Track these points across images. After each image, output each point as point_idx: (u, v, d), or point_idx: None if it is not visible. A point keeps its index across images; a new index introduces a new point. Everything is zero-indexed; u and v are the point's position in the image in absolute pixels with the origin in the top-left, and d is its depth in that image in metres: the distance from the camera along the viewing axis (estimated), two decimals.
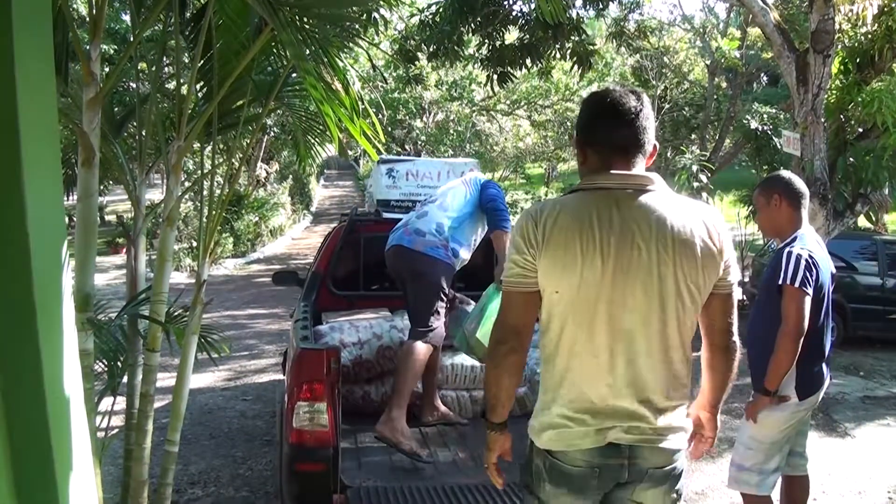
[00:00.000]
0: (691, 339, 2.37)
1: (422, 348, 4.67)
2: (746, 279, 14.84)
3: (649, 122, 2.38)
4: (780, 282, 3.61)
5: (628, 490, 2.35)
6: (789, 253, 3.65)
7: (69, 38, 3.39)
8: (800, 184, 3.88)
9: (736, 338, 2.47)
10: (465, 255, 5.10)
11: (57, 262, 1.44)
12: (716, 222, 2.33)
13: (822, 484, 5.63)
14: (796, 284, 3.56)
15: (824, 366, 3.84)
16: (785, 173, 4.05)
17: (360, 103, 3.42)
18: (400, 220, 6.09)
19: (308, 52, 3.09)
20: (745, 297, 14.49)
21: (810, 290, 3.58)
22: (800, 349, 3.58)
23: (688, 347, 2.37)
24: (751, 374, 3.93)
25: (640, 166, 2.36)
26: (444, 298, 4.87)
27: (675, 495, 2.40)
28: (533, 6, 11.56)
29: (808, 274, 3.57)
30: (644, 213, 2.27)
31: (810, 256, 3.62)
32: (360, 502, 3.71)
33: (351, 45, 4.09)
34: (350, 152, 41.72)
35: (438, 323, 4.79)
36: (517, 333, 2.37)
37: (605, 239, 2.23)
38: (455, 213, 5.03)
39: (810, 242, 3.75)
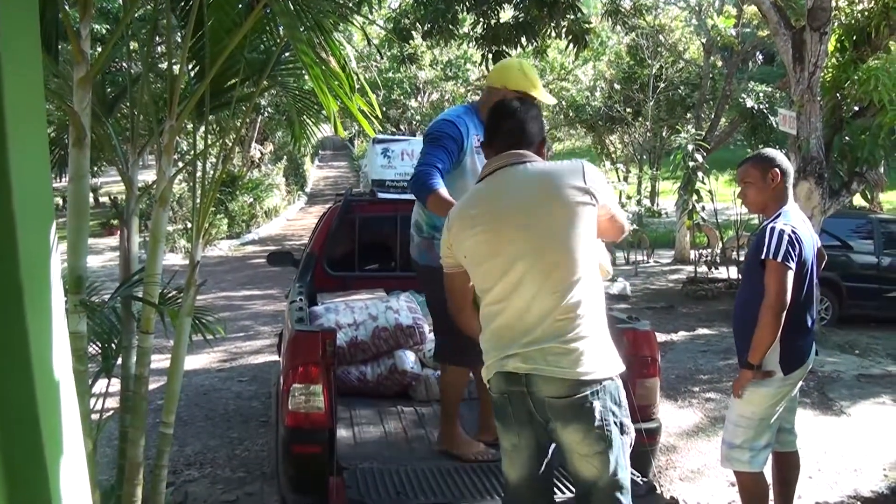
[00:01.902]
0: (591, 275, 2.73)
1: (447, 370, 4.35)
2: (742, 258, 14.85)
3: (531, 119, 2.93)
4: (762, 256, 3.63)
5: (556, 434, 2.67)
6: (772, 228, 3.67)
7: (59, 17, 3.35)
8: (788, 161, 3.95)
9: (625, 222, 3.03)
10: None
11: (45, 244, 1.42)
12: (584, 170, 2.77)
13: (818, 462, 5.65)
14: (779, 259, 3.58)
15: (809, 340, 3.86)
16: (774, 151, 4.06)
17: (356, 78, 3.39)
18: (396, 199, 6.08)
19: (302, 26, 3.06)
20: (740, 276, 14.50)
21: (793, 265, 3.60)
22: (783, 323, 3.60)
23: (580, 284, 2.67)
24: (736, 349, 3.96)
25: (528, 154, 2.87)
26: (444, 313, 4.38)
27: (598, 431, 2.61)
28: None
29: (790, 249, 3.59)
30: (521, 178, 2.79)
31: (793, 232, 3.64)
32: (356, 484, 3.71)
33: (345, 22, 4.04)
34: (345, 132, 41.61)
35: (443, 337, 4.34)
36: (452, 294, 3.09)
37: (490, 207, 2.79)
38: None
39: (794, 219, 3.77)
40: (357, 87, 3.39)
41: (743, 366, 3.79)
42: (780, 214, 3.77)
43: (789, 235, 3.61)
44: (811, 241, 3.81)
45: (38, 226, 1.39)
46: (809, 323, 3.85)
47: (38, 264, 1.38)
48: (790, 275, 3.60)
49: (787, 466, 4.12)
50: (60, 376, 1.43)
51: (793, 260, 3.60)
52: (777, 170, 3.82)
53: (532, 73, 4.14)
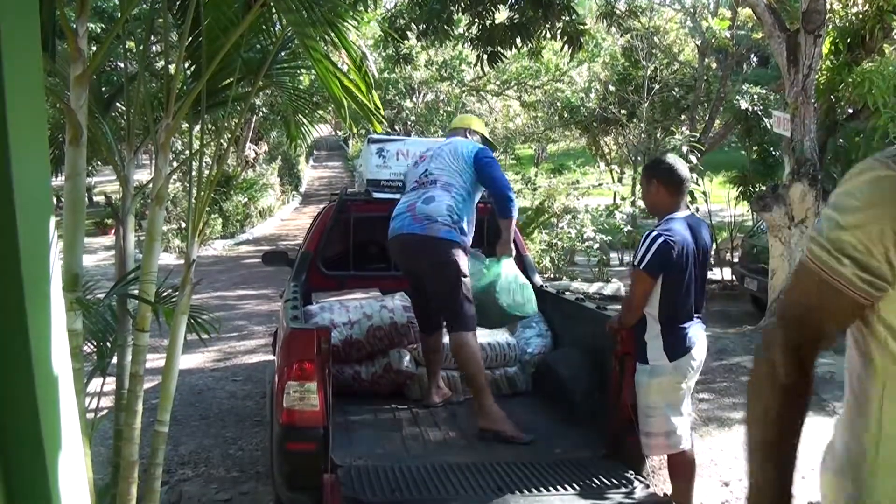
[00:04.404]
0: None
1: (471, 338, 4.71)
2: (736, 260, 14.88)
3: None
4: (633, 262, 4.02)
5: None
6: (647, 235, 4.01)
7: (56, 16, 3.35)
8: (682, 170, 4.19)
9: None
10: (471, 230, 5.07)
11: (44, 240, 1.42)
12: None
13: (811, 462, 5.66)
14: (641, 267, 3.92)
15: (687, 333, 4.05)
16: (669, 158, 4.32)
17: (368, 74, 3.40)
18: (391, 199, 6.08)
19: (309, 20, 3.06)
20: (734, 278, 14.54)
21: (655, 274, 3.92)
22: (660, 320, 3.98)
23: None
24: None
25: None
26: (468, 283, 4.85)
27: None
28: None
29: (656, 257, 3.89)
30: None
31: (665, 242, 3.91)
32: (350, 481, 3.72)
33: (347, 20, 4.04)
34: (340, 132, 41.56)
35: (470, 306, 4.80)
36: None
37: None
38: (459, 191, 4.95)
39: (676, 225, 4.04)
40: (368, 84, 3.41)
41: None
42: (664, 221, 4.09)
43: (660, 245, 3.91)
44: (690, 247, 4.03)
45: (38, 222, 1.40)
46: (685, 318, 4.06)
47: (38, 260, 1.38)
48: (648, 282, 3.94)
49: None
50: (60, 372, 1.43)
51: (655, 269, 3.91)
52: (655, 180, 4.15)
53: (474, 120, 5.82)
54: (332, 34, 3.27)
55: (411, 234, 4.86)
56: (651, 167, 4.32)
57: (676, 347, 3.99)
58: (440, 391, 5.05)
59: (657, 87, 22.85)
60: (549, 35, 12.24)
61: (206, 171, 3.96)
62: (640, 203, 23.92)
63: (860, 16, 10.16)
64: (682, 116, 22.51)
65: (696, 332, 4.11)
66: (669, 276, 3.95)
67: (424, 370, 5.20)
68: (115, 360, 3.80)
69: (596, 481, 3.84)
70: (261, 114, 23.07)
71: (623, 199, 21.77)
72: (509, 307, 4.96)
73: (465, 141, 5.29)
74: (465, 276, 4.82)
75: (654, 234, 3.97)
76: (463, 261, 4.83)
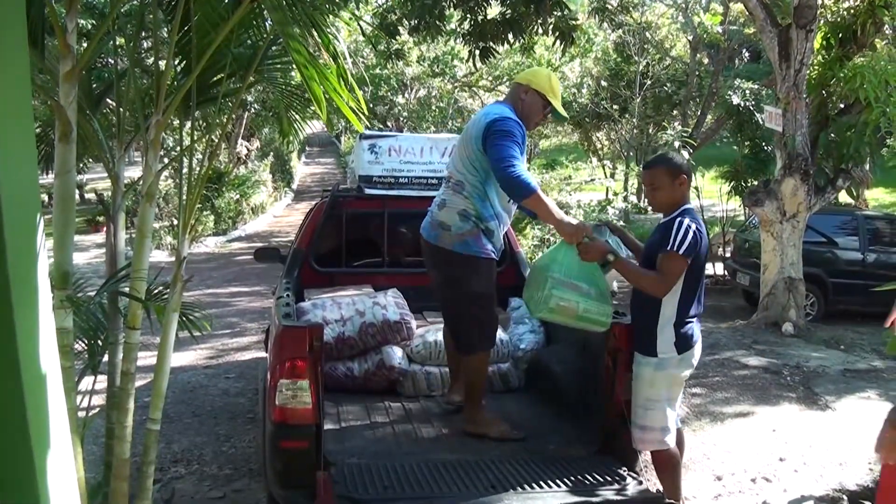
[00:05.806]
0: None
1: (475, 361, 4.50)
2: (728, 255, 14.91)
3: None
4: (668, 248, 3.89)
5: None
6: (680, 223, 3.93)
7: (45, 12, 3.33)
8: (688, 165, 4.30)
9: None
10: (507, 217, 4.60)
11: (32, 238, 1.41)
12: None
13: (804, 455, 5.68)
14: (681, 252, 3.86)
15: (695, 325, 4.09)
16: (679, 156, 4.42)
17: (347, 72, 3.39)
18: (382, 195, 6.08)
19: (293, 21, 3.05)
20: (726, 273, 14.57)
21: (689, 261, 3.92)
22: (676, 309, 3.96)
23: None
24: (636, 336, 4.12)
25: None
26: (486, 302, 4.50)
27: None
28: None
29: (693, 245, 3.88)
30: None
31: (698, 229, 3.94)
32: (343, 479, 3.71)
33: (335, 16, 4.03)
34: (333, 129, 41.52)
35: (483, 326, 4.52)
36: None
37: None
38: (472, 190, 4.39)
39: (697, 216, 4.10)
40: (346, 82, 3.39)
41: (639, 352, 4.05)
42: (685, 211, 4.05)
43: (695, 232, 3.90)
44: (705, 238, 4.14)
45: (25, 221, 1.38)
46: (697, 309, 4.09)
47: (25, 259, 1.37)
48: (684, 267, 3.92)
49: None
50: (48, 371, 1.42)
51: (691, 256, 3.90)
52: (684, 175, 4.13)
53: (556, 84, 4.58)
54: (312, 28, 3.26)
55: (426, 240, 4.56)
56: (677, 164, 4.17)
57: (684, 340, 3.99)
58: (462, 391, 4.80)
59: (649, 82, 22.88)
60: (540, 30, 12.26)
61: (198, 168, 3.95)
62: (633, 199, 24.00)
63: (852, 10, 10.18)
64: (674, 112, 22.58)
65: (697, 326, 4.12)
66: (694, 265, 3.96)
67: (417, 367, 5.19)
68: (106, 357, 3.79)
69: (589, 478, 3.83)
70: (252, 110, 23.01)
71: (615, 194, 21.81)
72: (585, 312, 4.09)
73: (486, 111, 4.51)
74: (479, 294, 4.45)
75: (685, 223, 3.92)
76: (480, 275, 4.43)
